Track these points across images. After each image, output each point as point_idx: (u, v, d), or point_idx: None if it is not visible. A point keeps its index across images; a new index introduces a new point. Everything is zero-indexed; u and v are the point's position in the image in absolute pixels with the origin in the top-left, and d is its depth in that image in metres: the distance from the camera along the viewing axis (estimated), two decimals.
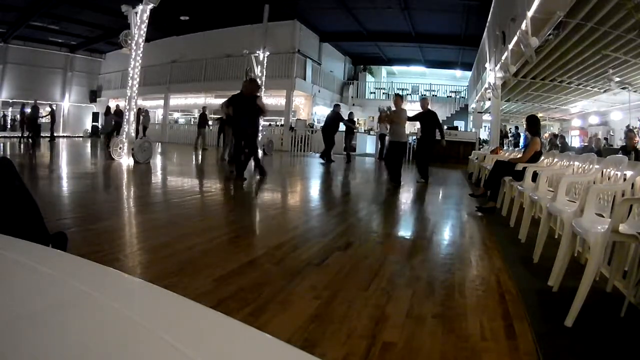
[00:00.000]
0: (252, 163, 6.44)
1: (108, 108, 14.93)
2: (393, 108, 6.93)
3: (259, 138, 9.10)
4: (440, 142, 7.46)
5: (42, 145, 12.75)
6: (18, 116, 14.88)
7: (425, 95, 19.18)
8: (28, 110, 14.36)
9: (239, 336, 0.46)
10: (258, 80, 12.43)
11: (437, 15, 14.25)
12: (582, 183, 2.73)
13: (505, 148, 11.30)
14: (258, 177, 6.37)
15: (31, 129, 13.96)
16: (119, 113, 13.10)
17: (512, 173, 4.22)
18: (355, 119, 20.00)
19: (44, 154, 10.10)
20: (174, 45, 18.65)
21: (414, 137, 11.35)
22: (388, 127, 7.46)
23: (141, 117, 14.07)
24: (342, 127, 11.59)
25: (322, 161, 10.83)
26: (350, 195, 5.96)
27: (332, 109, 11.97)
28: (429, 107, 7.44)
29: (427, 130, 7.31)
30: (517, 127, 18.86)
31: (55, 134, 15.06)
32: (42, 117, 14.78)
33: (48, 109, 16.15)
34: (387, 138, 9.07)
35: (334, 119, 11.17)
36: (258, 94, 6.36)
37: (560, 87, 12.27)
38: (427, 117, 7.23)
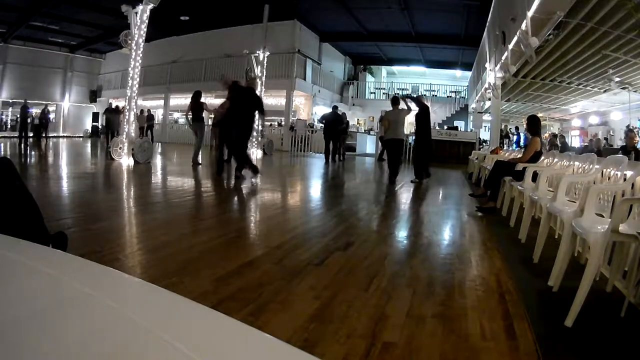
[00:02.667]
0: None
1: (110, 106, 14.98)
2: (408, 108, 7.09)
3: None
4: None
5: (42, 145, 12.75)
6: (18, 117, 14.90)
7: (424, 94, 19.19)
8: (33, 110, 14.38)
9: (239, 336, 0.46)
10: (258, 80, 12.46)
11: (437, 15, 14.26)
12: (582, 183, 2.73)
13: (505, 148, 11.31)
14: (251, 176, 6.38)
15: (27, 129, 13.97)
16: (116, 111, 13.14)
17: (512, 173, 4.21)
18: (356, 120, 20.06)
19: (44, 154, 10.09)
20: (174, 45, 18.65)
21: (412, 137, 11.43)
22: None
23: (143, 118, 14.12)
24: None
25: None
26: (350, 195, 5.95)
27: (331, 110, 12.04)
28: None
29: (422, 128, 7.48)
30: (517, 128, 18.87)
31: (47, 134, 15.12)
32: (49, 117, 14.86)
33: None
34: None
35: (335, 120, 11.28)
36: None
37: (560, 87, 12.28)
38: (423, 115, 7.43)
